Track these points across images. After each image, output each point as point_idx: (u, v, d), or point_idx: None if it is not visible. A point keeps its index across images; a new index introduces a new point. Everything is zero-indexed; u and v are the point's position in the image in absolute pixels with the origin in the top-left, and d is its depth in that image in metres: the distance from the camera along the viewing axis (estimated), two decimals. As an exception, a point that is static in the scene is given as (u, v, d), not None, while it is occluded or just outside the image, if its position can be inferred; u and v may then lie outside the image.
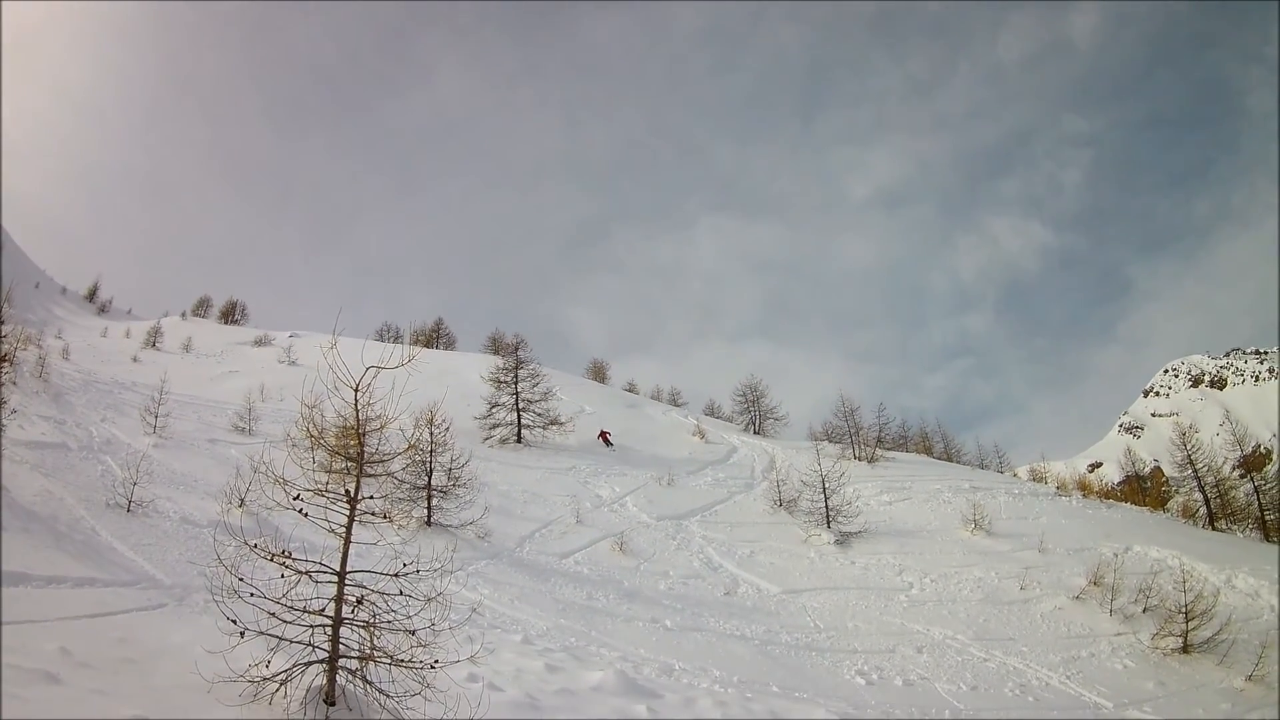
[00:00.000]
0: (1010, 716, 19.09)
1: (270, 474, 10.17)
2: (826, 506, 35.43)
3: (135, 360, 62.92)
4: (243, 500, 23.81)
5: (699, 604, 25.58)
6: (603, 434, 50.12)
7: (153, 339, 76.38)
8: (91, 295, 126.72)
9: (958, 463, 59.71)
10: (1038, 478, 60.19)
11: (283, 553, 9.73)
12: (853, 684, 20.30)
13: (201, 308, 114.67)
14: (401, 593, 9.86)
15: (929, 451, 64.68)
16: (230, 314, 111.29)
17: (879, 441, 53.28)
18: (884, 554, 32.33)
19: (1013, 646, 23.95)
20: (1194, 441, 48.61)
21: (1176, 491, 55.66)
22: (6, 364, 23.00)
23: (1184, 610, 24.06)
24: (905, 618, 25.93)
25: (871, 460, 48.65)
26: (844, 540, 33.71)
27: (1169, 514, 46.70)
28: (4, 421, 21.09)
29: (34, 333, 52.71)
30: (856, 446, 51.17)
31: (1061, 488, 49.02)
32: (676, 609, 24.77)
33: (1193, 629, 23.87)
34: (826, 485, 35.81)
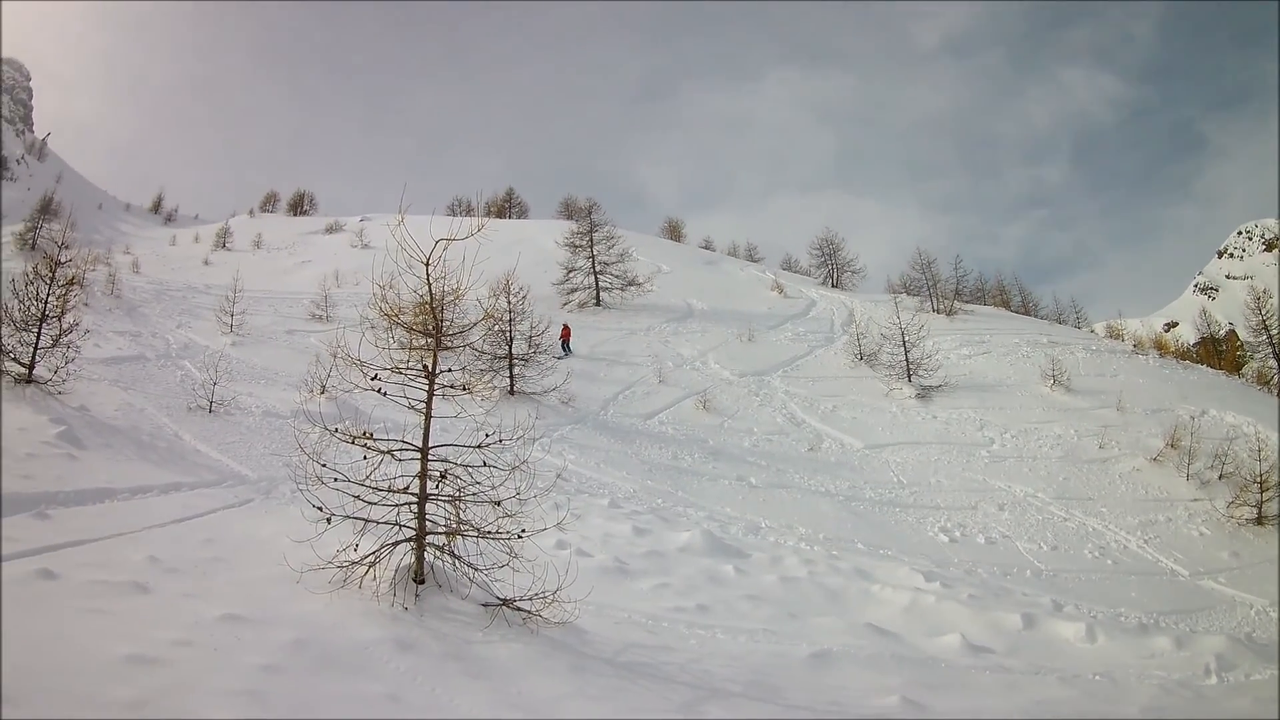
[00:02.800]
0: (1090, 578, 19.07)
1: (347, 357, 10.19)
2: (907, 360, 35.33)
3: (206, 263, 63.63)
4: (324, 387, 24.01)
5: (783, 460, 25.68)
6: (564, 333, 39.80)
7: (222, 240, 77.04)
8: (156, 207, 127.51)
9: (1035, 317, 58.74)
10: (1114, 335, 58.95)
11: (364, 434, 9.80)
12: (936, 541, 20.37)
13: (269, 203, 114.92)
14: (485, 464, 9.86)
15: (1006, 305, 63.77)
16: (299, 205, 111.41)
17: (957, 294, 52.58)
18: (965, 408, 32.28)
19: (1092, 507, 23.94)
20: (1269, 307, 47.72)
21: (1251, 357, 55.18)
22: (77, 287, 23.12)
23: (1259, 480, 23.80)
24: (987, 474, 25.96)
25: (950, 313, 47.99)
26: (925, 394, 33.66)
27: (1244, 379, 45.85)
28: (76, 344, 21.25)
29: (101, 252, 53.60)
30: (935, 299, 50.46)
31: (1138, 346, 47.93)
32: (761, 466, 24.93)
33: (1267, 499, 23.60)
34: (906, 339, 35.60)
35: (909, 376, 34.94)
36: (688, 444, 26.71)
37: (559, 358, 35.82)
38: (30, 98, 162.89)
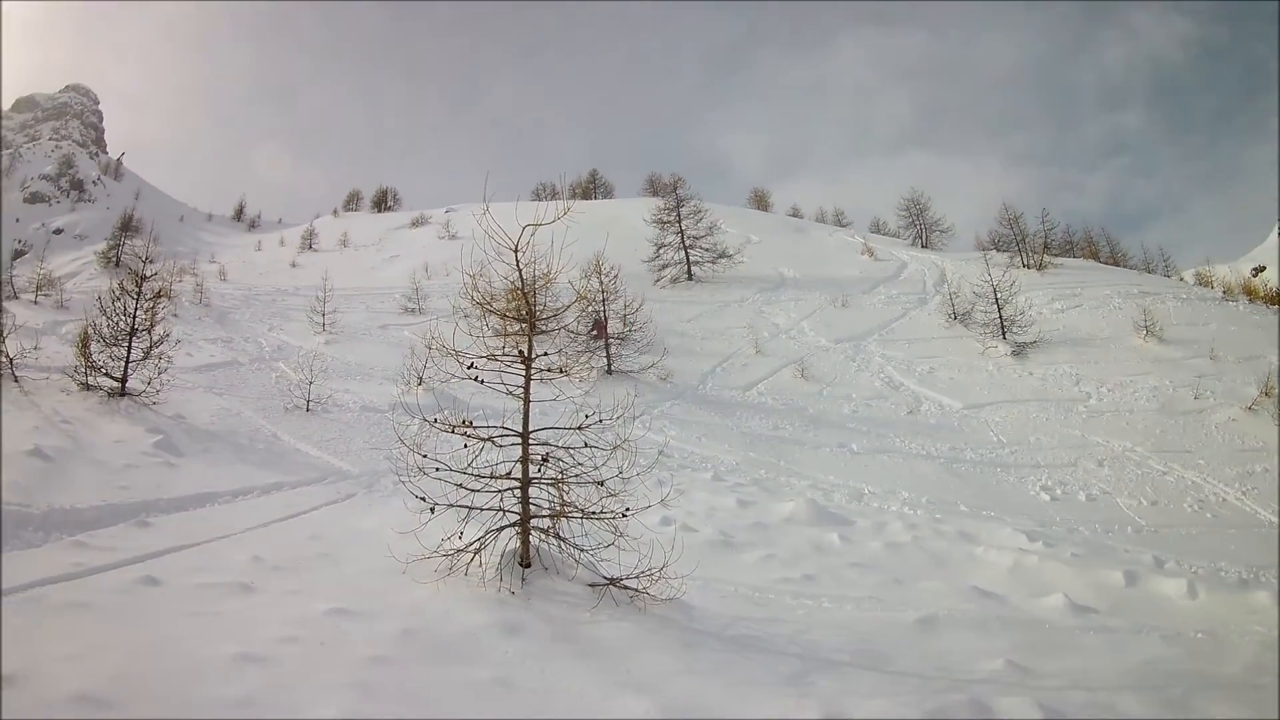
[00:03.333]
0: (1190, 532, 18.81)
1: (443, 348, 10.24)
2: (1000, 317, 35.05)
3: (294, 265, 64.57)
4: (420, 379, 24.33)
5: (883, 425, 25.57)
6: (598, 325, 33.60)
7: (308, 241, 78.37)
8: (238, 215, 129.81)
9: (1124, 267, 57.21)
10: (1203, 281, 57.61)
11: (464, 423, 9.87)
12: (1037, 500, 20.16)
13: (353, 201, 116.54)
14: (587, 445, 9.89)
15: (1095, 256, 62.38)
16: (382, 202, 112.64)
17: (1046, 248, 51.49)
18: (1060, 364, 31.85)
19: (1190, 459, 23.43)
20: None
21: (1342, 302, 53.21)
22: (164, 299, 23.55)
23: (1354, 429, 22.91)
24: (1085, 429, 25.60)
25: (1040, 268, 47.28)
26: (1020, 351, 33.26)
27: (1336, 321, 44.35)
28: (168, 355, 21.58)
29: (187, 263, 54.91)
30: (1024, 254, 49.81)
31: (1228, 292, 46.48)
32: (862, 432, 24.84)
33: (1365, 443, 22.72)
34: (999, 295, 35.33)
35: (1003, 334, 34.65)
36: (787, 413, 26.66)
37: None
38: (100, 120, 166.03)
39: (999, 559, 13.84)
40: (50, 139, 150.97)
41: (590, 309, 30.99)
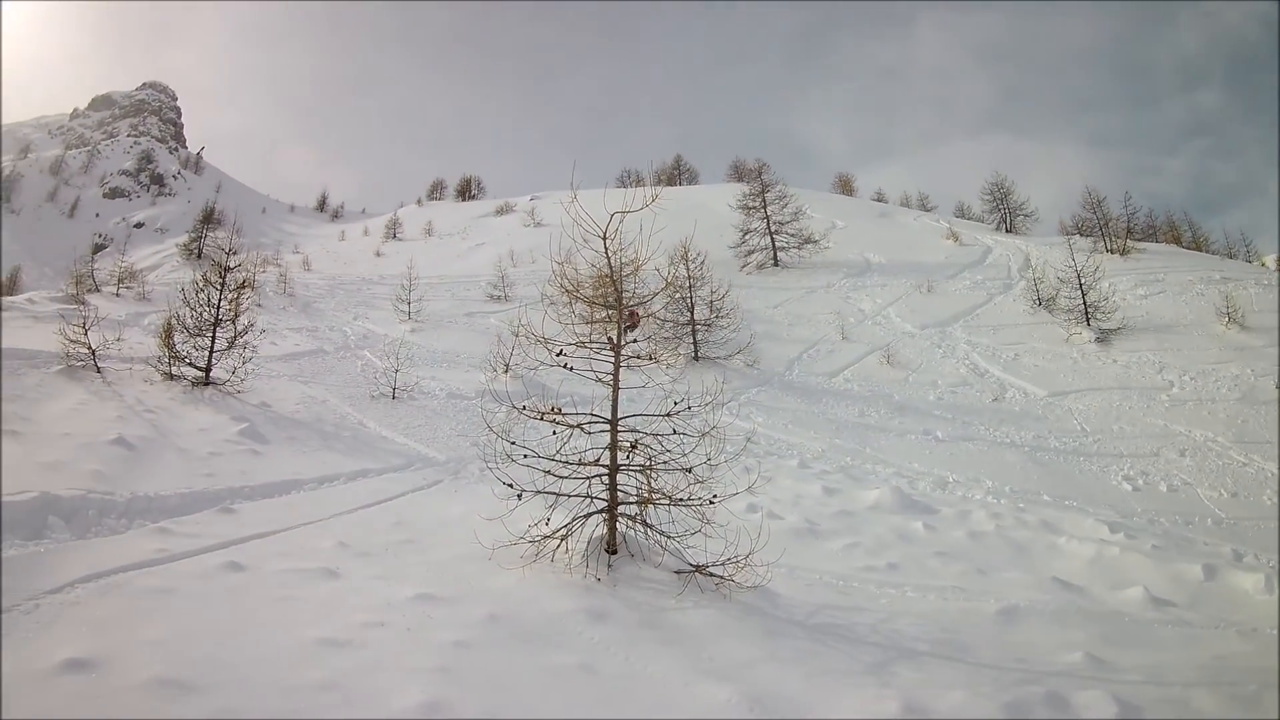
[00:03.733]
0: (1269, 525, 18.48)
1: (531, 335, 10.29)
2: (1085, 303, 34.44)
3: (378, 255, 65.04)
4: (507, 366, 24.46)
5: (968, 412, 25.29)
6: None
7: (392, 231, 79.33)
8: (321, 205, 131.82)
9: (1206, 252, 56.30)
10: (1286, 267, 56.61)
11: (552, 410, 9.91)
12: (1119, 490, 19.82)
13: (436, 190, 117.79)
14: (675, 431, 9.87)
15: (1177, 241, 61.15)
16: (466, 190, 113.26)
17: (1128, 233, 50.56)
18: (1143, 351, 31.18)
19: (1270, 450, 22.71)
20: None
21: None
22: (248, 289, 23.78)
23: None
24: (1167, 418, 25.05)
25: (1123, 253, 46.43)
26: (1104, 338, 32.67)
27: None
28: (252, 344, 21.79)
29: (270, 253, 55.61)
30: (1107, 239, 48.88)
31: None
32: (947, 419, 24.58)
33: None
34: (1082, 281, 34.79)
35: (1087, 320, 34.07)
36: (873, 400, 26.47)
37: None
38: (179, 116, 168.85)
39: (1080, 550, 13.72)
40: (129, 135, 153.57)
41: (678, 295, 30.85)
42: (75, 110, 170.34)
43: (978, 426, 23.95)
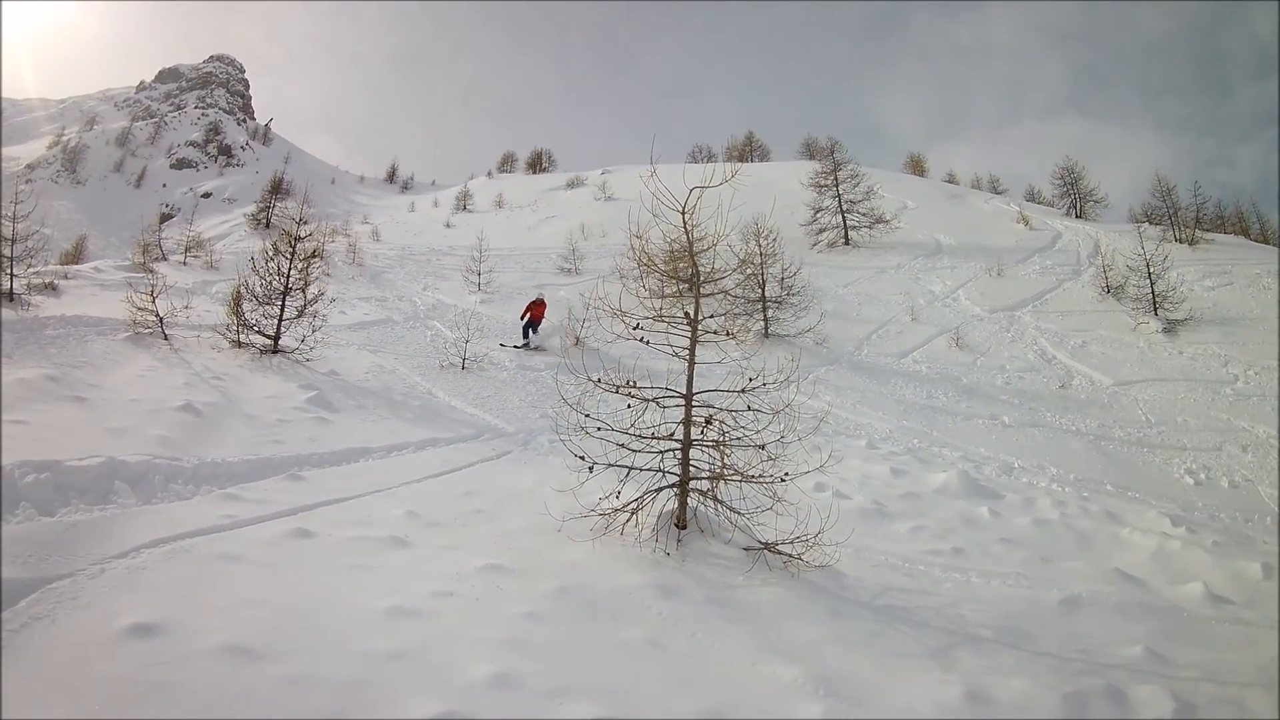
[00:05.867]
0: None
1: (606, 307, 10.28)
2: (1153, 293, 33.87)
3: (448, 226, 64.71)
4: (578, 339, 24.54)
5: (1035, 398, 25.03)
6: (534, 312, 28.49)
7: (462, 203, 79.11)
8: (391, 176, 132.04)
9: (1273, 245, 54.91)
10: (1354, 263, 55.57)
11: (627, 383, 9.98)
12: (1182, 483, 19.54)
13: (507, 163, 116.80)
14: (749, 408, 9.88)
15: (1245, 233, 59.62)
16: (537, 163, 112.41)
17: (1197, 222, 49.58)
18: (1209, 343, 30.57)
19: None
20: None
21: None
22: (317, 258, 23.86)
23: None
24: (1231, 413, 24.59)
25: (1192, 243, 45.32)
26: (1171, 328, 32.06)
27: None
28: (321, 313, 21.94)
29: (339, 224, 55.28)
30: (1176, 228, 47.99)
31: None
32: (1014, 404, 24.34)
33: None
34: (1151, 270, 34.24)
35: (1155, 310, 33.49)
36: (941, 382, 26.28)
37: (519, 346, 26.82)
38: (247, 89, 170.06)
39: (1143, 542, 13.57)
40: (196, 107, 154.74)
41: (749, 271, 30.42)
42: (142, 83, 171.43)
43: (1044, 412, 23.74)
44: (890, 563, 10.92)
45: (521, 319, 28.34)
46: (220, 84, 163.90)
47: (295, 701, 5.66)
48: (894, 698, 6.57)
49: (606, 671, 6.64)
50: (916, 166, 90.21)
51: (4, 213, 23.03)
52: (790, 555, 9.36)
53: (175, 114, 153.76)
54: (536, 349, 26.95)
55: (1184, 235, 46.55)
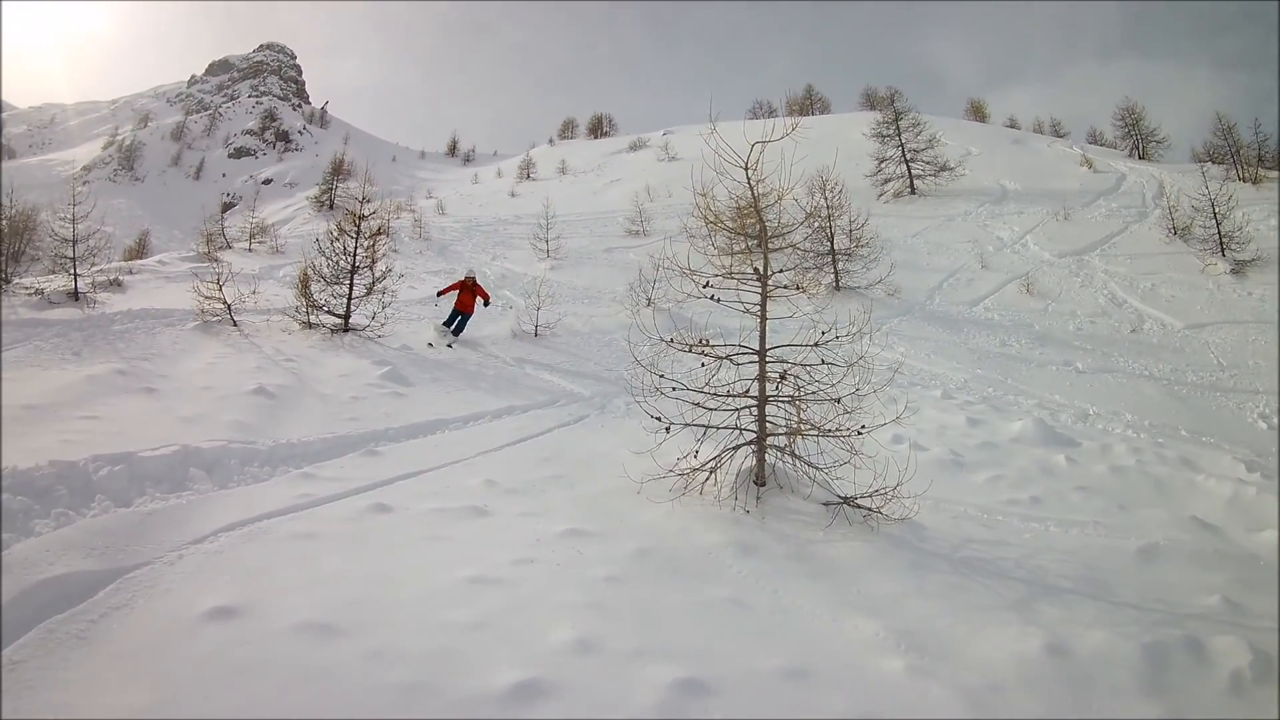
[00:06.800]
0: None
1: (675, 267, 10.34)
2: (1219, 233, 33.37)
3: (513, 195, 64.81)
4: (649, 300, 24.61)
5: (1107, 343, 24.74)
6: (460, 299, 22.93)
7: (526, 171, 79.38)
8: (452, 150, 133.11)
9: None
10: None
11: (700, 342, 9.98)
12: (1255, 428, 19.19)
13: (568, 129, 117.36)
14: (823, 362, 9.91)
15: None
16: (598, 128, 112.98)
17: (1259, 160, 48.61)
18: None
19: None
20: None
21: None
22: (383, 236, 23.99)
23: None
24: (1303, 354, 24.38)
25: (1255, 181, 44.73)
26: (1239, 269, 31.56)
27: None
28: (391, 289, 21.98)
29: (403, 200, 55.82)
30: (1239, 167, 47.12)
31: None
32: (1086, 350, 24.08)
33: None
34: (1216, 210, 33.71)
35: (1222, 250, 33.04)
36: (1014, 329, 26.01)
37: (450, 345, 21.41)
38: (300, 74, 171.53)
39: (1218, 488, 13.35)
40: (250, 96, 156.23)
41: (817, 225, 30.39)
42: (193, 77, 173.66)
43: (1117, 358, 23.47)
44: (969, 514, 10.87)
45: (439, 295, 23.69)
46: (272, 71, 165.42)
47: (376, 675, 5.74)
48: (974, 651, 6.59)
49: (688, 631, 6.67)
50: (977, 112, 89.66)
51: (64, 214, 23.38)
52: (869, 509, 9.34)
53: (229, 105, 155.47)
54: (450, 346, 21.31)
55: (1247, 174, 45.92)
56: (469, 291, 22.77)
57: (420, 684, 5.62)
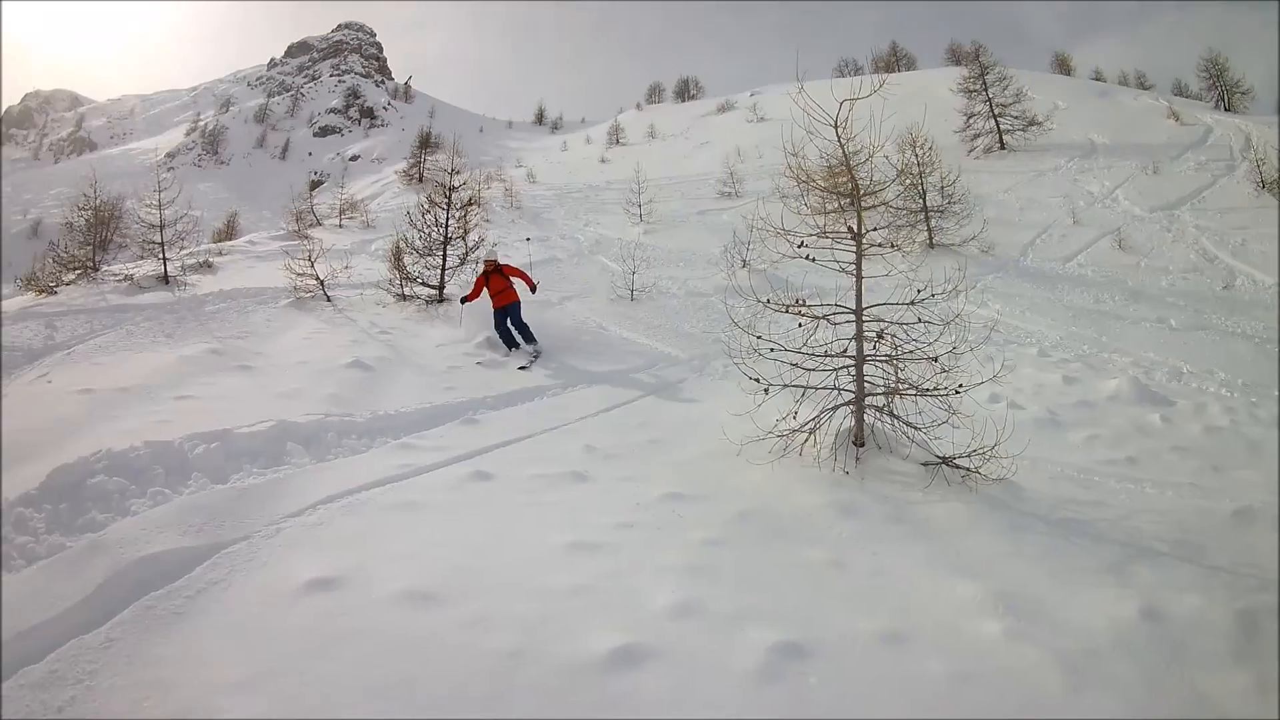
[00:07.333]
0: None
1: (769, 227, 10.35)
2: (1308, 187, 32.50)
3: (603, 161, 65.05)
4: (744, 261, 24.52)
5: (1200, 300, 24.25)
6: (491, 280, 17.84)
7: (615, 137, 79.78)
8: (539, 119, 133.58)
9: None
10: None
11: (796, 302, 9.97)
12: (1349, 389, 19.12)
13: (655, 94, 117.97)
14: (920, 320, 9.90)
15: None
16: (685, 91, 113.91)
17: None
18: (1371, 239, 29.47)
19: None
20: None
21: None
22: (474, 206, 24.14)
23: None
24: (1397, 312, 23.81)
25: None
26: (1330, 223, 31.01)
27: None
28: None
29: (493, 170, 55.22)
30: (1322, 115, 45.99)
31: None
32: (1179, 306, 23.62)
33: None
34: (1303, 163, 32.68)
35: (1311, 203, 32.27)
36: (1107, 286, 25.59)
37: (534, 357, 16.87)
38: (380, 51, 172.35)
39: (1312, 450, 13.24)
40: (331, 75, 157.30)
41: (909, 182, 30.02)
42: (272, 60, 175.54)
43: (1209, 315, 23.01)
44: (1066, 474, 10.76)
45: (464, 303, 18.28)
46: (352, 50, 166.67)
47: (476, 641, 5.83)
48: (1071, 614, 6.56)
49: (788, 594, 6.74)
50: (1062, 65, 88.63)
51: (149, 201, 23.80)
52: (968, 469, 9.33)
53: (311, 85, 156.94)
54: (534, 358, 16.84)
55: (1331, 123, 44.54)
56: (500, 276, 17.76)
57: (520, 650, 5.73)
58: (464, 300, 18.10)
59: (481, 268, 18.39)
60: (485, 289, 17.73)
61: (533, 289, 18.27)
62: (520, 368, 16.04)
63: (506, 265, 18.27)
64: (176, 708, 5.25)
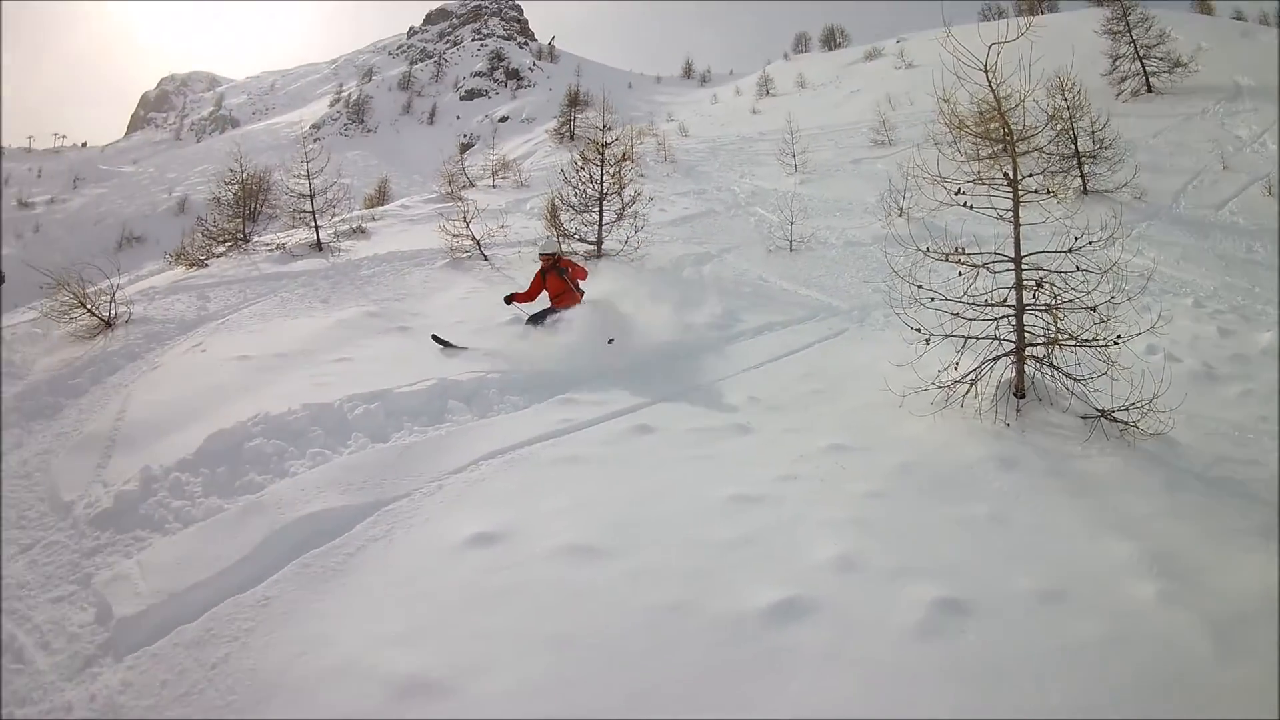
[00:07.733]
0: None
1: (925, 175, 10.40)
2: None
3: (754, 112, 64.50)
4: (901, 209, 24.19)
5: (1351, 248, 23.62)
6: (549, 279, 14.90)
7: (764, 88, 78.59)
8: (687, 72, 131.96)
9: None
10: None
11: (956, 250, 9.94)
12: None
13: (801, 44, 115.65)
14: (1079, 268, 9.74)
15: None
16: (831, 39, 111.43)
17: None
18: None
19: None
20: None
21: None
22: (629, 161, 24.08)
23: None
24: None
25: None
26: None
27: None
28: (642, 213, 21.95)
29: (645, 125, 55.33)
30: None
31: None
32: (1332, 257, 23.10)
33: None
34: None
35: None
36: (1259, 235, 24.37)
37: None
38: (520, 13, 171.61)
39: None
40: (473, 40, 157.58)
41: (1060, 127, 28.87)
42: (411, 28, 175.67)
43: (1371, 263, 22.32)
44: (1221, 430, 10.44)
45: (508, 303, 15.23)
46: (492, 14, 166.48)
47: (637, 594, 6.01)
48: (1223, 578, 6.49)
49: (948, 549, 6.78)
50: (1203, 5, 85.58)
51: (297, 172, 24.21)
52: (1126, 423, 9.19)
53: (453, 50, 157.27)
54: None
55: None
56: (557, 275, 14.87)
57: (680, 604, 5.89)
58: (509, 300, 15.06)
59: (539, 263, 15.16)
60: (544, 290, 14.96)
61: (579, 296, 14.89)
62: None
63: (564, 259, 15.26)
64: (336, 661, 5.53)
